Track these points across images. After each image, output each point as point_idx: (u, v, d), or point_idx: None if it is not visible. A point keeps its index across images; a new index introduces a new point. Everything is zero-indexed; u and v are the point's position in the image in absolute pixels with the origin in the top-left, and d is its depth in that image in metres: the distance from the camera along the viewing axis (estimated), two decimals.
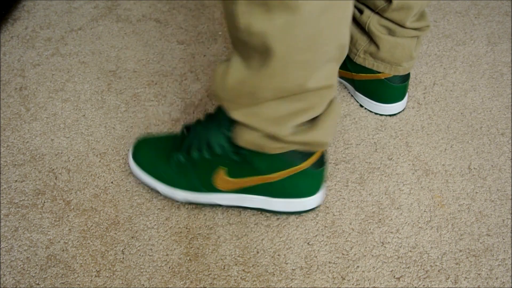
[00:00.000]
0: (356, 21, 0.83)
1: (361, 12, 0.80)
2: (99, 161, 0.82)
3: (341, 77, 0.92)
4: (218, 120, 0.66)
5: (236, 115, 0.61)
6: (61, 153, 0.84)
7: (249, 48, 0.54)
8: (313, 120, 0.62)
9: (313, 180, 0.71)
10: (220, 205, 0.74)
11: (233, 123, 0.64)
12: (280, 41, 0.51)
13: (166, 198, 0.77)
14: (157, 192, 0.76)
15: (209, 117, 0.69)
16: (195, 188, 0.72)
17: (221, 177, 0.70)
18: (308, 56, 0.53)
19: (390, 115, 0.89)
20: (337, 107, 0.63)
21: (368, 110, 0.89)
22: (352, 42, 0.83)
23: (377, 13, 0.78)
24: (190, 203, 0.75)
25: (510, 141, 0.85)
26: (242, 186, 0.71)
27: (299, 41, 0.51)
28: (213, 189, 0.72)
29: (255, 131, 0.62)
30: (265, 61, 0.53)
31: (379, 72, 0.83)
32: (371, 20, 0.78)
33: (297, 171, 0.68)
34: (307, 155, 0.67)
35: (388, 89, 0.84)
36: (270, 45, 0.51)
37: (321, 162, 0.70)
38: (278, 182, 0.69)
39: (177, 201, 0.75)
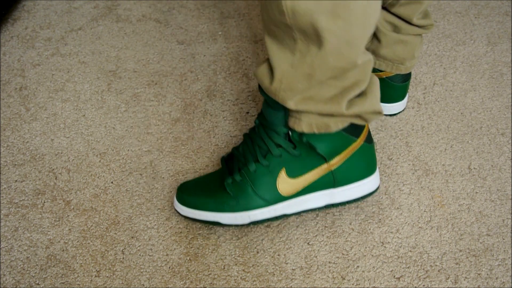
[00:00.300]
0: None
1: None
2: (99, 161, 0.82)
3: None
4: (268, 121, 0.67)
5: (292, 104, 0.62)
6: (61, 153, 0.84)
7: (294, 32, 0.55)
8: (363, 92, 0.63)
9: (370, 156, 0.71)
10: (287, 216, 0.72)
11: (286, 116, 0.66)
12: (331, 20, 0.52)
13: (167, 199, 0.77)
14: (219, 225, 0.72)
15: (254, 129, 0.70)
16: (258, 204, 0.70)
17: (283, 179, 0.69)
18: (359, 32, 0.54)
19: (390, 115, 0.89)
20: (375, 77, 0.65)
21: None
22: None
23: (385, 8, 0.78)
24: (257, 223, 0.71)
25: (510, 141, 0.85)
26: (305, 185, 0.70)
27: (352, 18, 0.52)
28: (277, 197, 0.70)
29: (313, 114, 0.63)
30: (316, 41, 0.55)
31: (380, 71, 0.83)
32: None
33: (355, 150, 0.69)
34: (359, 129, 0.69)
35: (389, 88, 0.84)
36: (320, 24, 0.52)
37: (370, 137, 0.71)
38: (339, 169, 0.69)
39: (242, 225, 0.72)
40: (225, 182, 0.70)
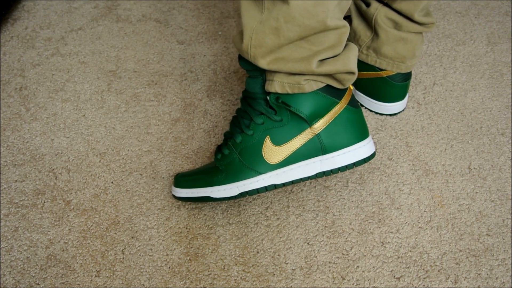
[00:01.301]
0: (361, 15, 0.83)
1: (368, 5, 0.80)
2: (99, 161, 0.82)
3: None
4: (249, 92, 0.70)
5: (264, 62, 0.64)
6: (61, 153, 0.84)
7: None
8: (336, 55, 0.65)
9: (358, 121, 0.71)
10: (275, 187, 0.71)
11: (264, 82, 0.68)
12: None
13: (167, 199, 0.77)
14: (210, 200, 0.72)
15: (240, 109, 0.73)
16: (246, 175, 0.70)
17: (269, 148, 0.69)
18: None
19: (390, 115, 0.89)
20: (354, 46, 0.67)
21: (369, 109, 0.89)
22: (355, 38, 0.84)
23: (386, 4, 0.78)
24: (247, 195, 0.71)
25: (510, 141, 0.85)
26: (291, 152, 0.69)
27: None
28: (264, 167, 0.70)
29: (284, 74, 0.66)
30: None
31: (381, 70, 0.83)
32: (379, 12, 0.79)
33: (338, 113, 0.69)
34: (340, 92, 0.69)
35: (389, 87, 0.84)
36: None
37: (355, 103, 0.71)
38: (324, 133, 0.69)
39: (234, 198, 0.71)
40: (215, 158, 0.72)
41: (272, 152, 0.70)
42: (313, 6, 0.58)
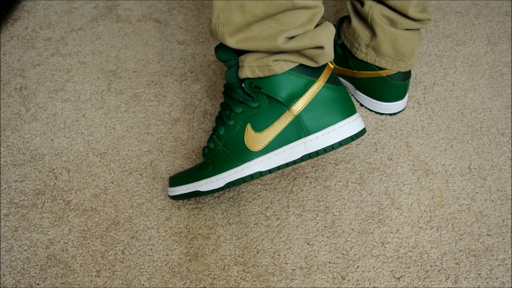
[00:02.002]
0: (358, 15, 0.83)
1: (362, 4, 0.80)
2: (99, 161, 0.82)
3: (342, 75, 0.92)
4: (227, 83, 0.70)
5: (232, 41, 0.64)
6: (61, 153, 0.84)
7: None
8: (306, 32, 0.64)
9: (341, 98, 0.69)
10: (261, 174, 0.70)
11: (237, 71, 0.69)
12: None
13: (168, 199, 0.77)
14: (199, 194, 0.72)
15: (222, 102, 0.73)
16: (231, 165, 0.70)
17: (250, 135, 0.69)
18: None
19: (390, 114, 0.89)
20: (329, 24, 0.65)
21: (369, 109, 0.89)
22: (354, 36, 0.84)
23: (379, 2, 0.78)
24: (233, 185, 0.70)
25: (510, 141, 0.85)
26: (274, 137, 0.69)
27: None
28: (248, 155, 0.69)
29: (253, 53, 0.66)
30: None
31: (381, 69, 0.83)
32: (374, 10, 0.79)
33: (317, 92, 0.68)
34: (317, 70, 0.67)
35: (389, 87, 0.84)
36: None
37: (336, 80, 0.69)
38: (304, 114, 0.68)
39: (219, 189, 0.71)
40: (202, 153, 0.73)
41: (254, 139, 0.69)
42: None
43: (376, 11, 0.79)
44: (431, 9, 1.11)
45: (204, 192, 0.71)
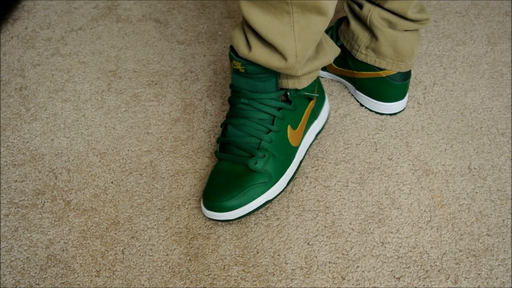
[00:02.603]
0: (357, 17, 0.83)
1: (361, 6, 0.80)
2: (99, 161, 0.82)
3: (342, 76, 0.92)
4: (259, 93, 0.73)
5: (300, 72, 0.69)
6: (61, 153, 0.84)
7: (290, 7, 0.62)
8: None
9: (322, 87, 0.84)
10: (301, 163, 0.80)
11: (278, 81, 0.73)
12: None
13: (167, 199, 0.77)
14: (268, 203, 0.74)
15: (236, 109, 0.75)
16: (287, 164, 0.75)
17: (291, 134, 0.76)
18: None
19: (390, 114, 0.89)
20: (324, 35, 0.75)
21: (369, 109, 0.89)
22: (354, 38, 0.84)
23: (378, 5, 0.78)
24: (292, 180, 0.78)
25: (510, 141, 0.85)
26: (304, 127, 0.79)
27: None
28: (292, 151, 0.77)
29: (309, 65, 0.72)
30: (316, 12, 0.62)
31: (381, 70, 0.84)
32: (372, 13, 0.79)
33: (318, 85, 0.81)
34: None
35: (389, 87, 0.85)
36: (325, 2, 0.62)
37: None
38: (316, 103, 0.81)
39: (285, 189, 0.76)
40: (250, 165, 0.72)
41: (295, 136, 0.76)
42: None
43: (375, 14, 0.79)
44: (431, 9, 1.11)
45: (273, 198, 0.75)
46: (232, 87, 0.75)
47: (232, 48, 0.71)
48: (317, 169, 0.81)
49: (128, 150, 0.84)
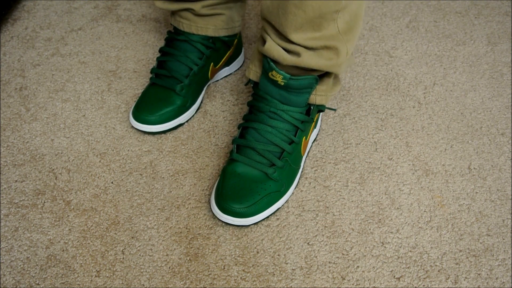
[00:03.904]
0: None
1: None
2: (99, 161, 0.82)
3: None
4: (291, 105, 0.74)
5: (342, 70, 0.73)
6: (61, 153, 0.84)
7: (336, 14, 0.65)
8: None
9: None
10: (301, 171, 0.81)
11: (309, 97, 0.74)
12: None
13: (167, 199, 0.77)
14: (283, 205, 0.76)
15: (265, 118, 0.75)
16: (296, 173, 0.78)
17: (304, 143, 0.78)
18: None
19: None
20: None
21: None
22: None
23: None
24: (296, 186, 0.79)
25: (510, 141, 0.85)
26: (309, 140, 0.81)
27: None
28: (301, 159, 0.79)
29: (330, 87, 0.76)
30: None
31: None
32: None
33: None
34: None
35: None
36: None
37: None
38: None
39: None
40: (269, 173, 0.73)
41: (304, 146, 0.78)
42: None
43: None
44: (431, 9, 1.11)
45: (281, 207, 0.77)
46: (259, 93, 0.74)
47: (269, 60, 0.70)
48: (316, 169, 0.81)
49: (128, 150, 0.84)
